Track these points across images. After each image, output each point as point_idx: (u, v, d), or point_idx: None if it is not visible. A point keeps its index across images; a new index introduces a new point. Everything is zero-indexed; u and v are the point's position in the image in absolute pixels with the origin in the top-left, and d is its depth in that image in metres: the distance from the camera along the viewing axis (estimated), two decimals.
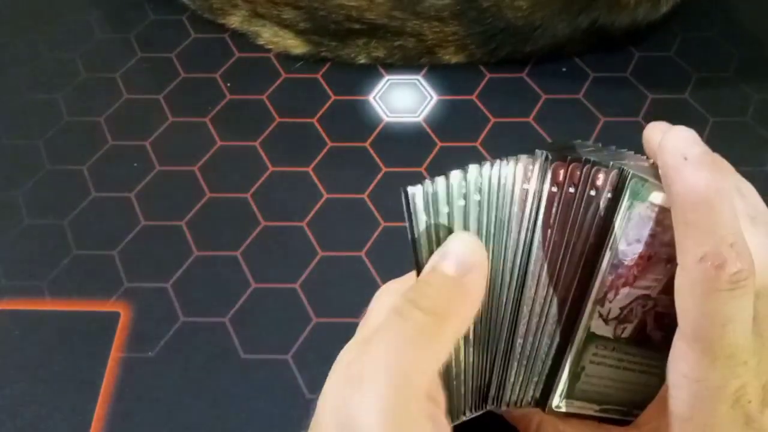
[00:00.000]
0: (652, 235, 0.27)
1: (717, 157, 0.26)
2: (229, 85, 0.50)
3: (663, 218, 0.27)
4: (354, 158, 0.46)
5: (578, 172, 0.26)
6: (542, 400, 0.29)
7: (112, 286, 0.41)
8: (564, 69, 0.49)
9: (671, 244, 0.26)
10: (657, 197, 0.26)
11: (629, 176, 0.26)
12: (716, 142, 0.44)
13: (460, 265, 0.25)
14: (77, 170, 0.46)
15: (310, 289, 0.40)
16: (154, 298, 0.40)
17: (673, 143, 0.25)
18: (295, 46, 0.50)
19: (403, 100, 0.48)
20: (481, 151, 0.46)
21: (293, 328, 0.39)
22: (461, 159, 0.45)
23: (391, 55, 0.49)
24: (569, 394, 0.29)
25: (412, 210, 0.25)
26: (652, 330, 0.29)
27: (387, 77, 0.50)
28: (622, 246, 0.26)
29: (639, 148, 0.30)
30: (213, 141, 0.47)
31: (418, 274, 0.26)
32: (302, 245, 0.42)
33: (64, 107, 0.49)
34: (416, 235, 0.26)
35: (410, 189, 0.25)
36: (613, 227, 0.26)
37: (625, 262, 0.27)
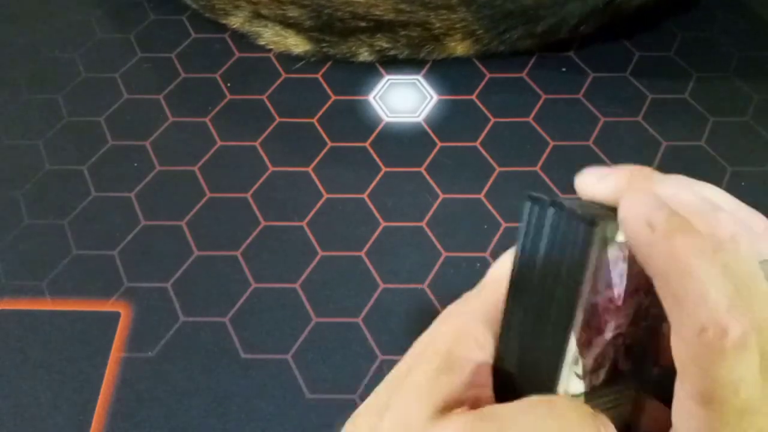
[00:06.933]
0: (621, 275, 0.24)
1: (677, 213, 0.24)
2: (229, 85, 0.50)
3: (630, 254, 0.24)
4: (354, 158, 0.46)
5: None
6: None
7: (112, 286, 0.41)
8: (564, 69, 0.49)
9: (637, 276, 0.24)
10: (622, 234, 0.24)
11: (597, 221, 0.22)
12: (716, 142, 0.44)
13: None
14: (77, 170, 0.46)
15: (310, 289, 0.40)
16: (154, 298, 0.40)
17: (633, 212, 0.23)
18: (297, 44, 0.50)
19: (403, 100, 0.48)
20: (481, 151, 0.46)
21: (293, 328, 0.39)
22: (461, 159, 0.45)
23: (394, 46, 0.49)
24: None
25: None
26: (623, 363, 0.26)
27: (387, 77, 0.50)
28: (594, 299, 0.24)
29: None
30: (213, 141, 0.47)
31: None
32: (302, 245, 0.42)
33: (64, 107, 0.49)
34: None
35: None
36: (584, 281, 0.23)
37: (598, 313, 0.25)
